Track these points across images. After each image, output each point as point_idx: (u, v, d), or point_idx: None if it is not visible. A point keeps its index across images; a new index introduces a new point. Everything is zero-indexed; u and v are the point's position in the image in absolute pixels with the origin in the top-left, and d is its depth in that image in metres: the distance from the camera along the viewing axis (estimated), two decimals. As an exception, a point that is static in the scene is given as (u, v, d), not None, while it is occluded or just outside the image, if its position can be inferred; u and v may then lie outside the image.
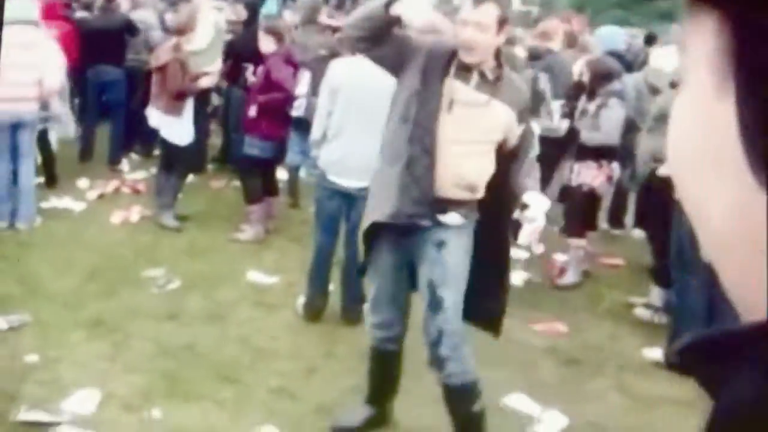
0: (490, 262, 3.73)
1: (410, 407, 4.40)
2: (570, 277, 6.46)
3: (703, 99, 0.46)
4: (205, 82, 7.29)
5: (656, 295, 5.94)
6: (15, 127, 6.83)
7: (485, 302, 3.83)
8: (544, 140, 7.27)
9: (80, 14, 9.38)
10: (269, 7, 9.53)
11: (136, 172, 8.82)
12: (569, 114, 6.59)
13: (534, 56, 7.73)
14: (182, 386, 4.45)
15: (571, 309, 6.03)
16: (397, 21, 3.47)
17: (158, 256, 6.42)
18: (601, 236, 7.46)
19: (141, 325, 5.21)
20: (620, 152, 6.41)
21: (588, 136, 6.23)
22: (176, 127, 7.12)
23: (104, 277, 5.94)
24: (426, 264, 3.62)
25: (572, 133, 6.45)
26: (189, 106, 7.15)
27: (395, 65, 3.58)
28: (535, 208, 3.54)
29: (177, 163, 7.22)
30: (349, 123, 4.99)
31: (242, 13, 9.54)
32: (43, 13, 7.74)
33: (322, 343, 5.13)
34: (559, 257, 6.67)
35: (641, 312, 5.95)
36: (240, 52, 7.99)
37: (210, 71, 7.42)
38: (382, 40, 3.47)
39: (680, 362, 0.47)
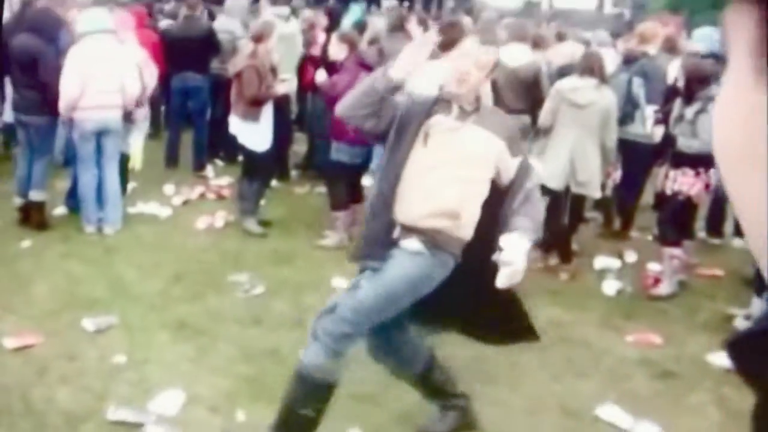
0: (479, 298, 3.66)
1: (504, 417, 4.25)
2: (665, 288, 6.22)
3: (744, 88, 0.47)
4: (281, 89, 7.26)
5: (757, 306, 5.66)
6: (100, 135, 6.93)
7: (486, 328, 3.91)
8: (636, 146, 7.09)
9: (165, 23, 9.50)
10: (354, 14, 9.52)
11: (220, 178, 8.88)
12: (663, 120, 6.37)
13: (628, 60, 7.52)
14: (266, 390, 4.38)
15: (667, 320, 5.81)
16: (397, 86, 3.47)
17: (243, 261, 6.41)
18: (699, 246, 7.19)
19: (226, 328, 5.19)
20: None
21: (685, 143, 5.99)
22: (254, 134, 7.13)
23: (189, 281, 5.95)
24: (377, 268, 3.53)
25: (666, 139, 6.23)
26: (267, 112, 7.15)
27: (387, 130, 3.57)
28: (511, 250, 3.32)
29: (257, 169, 7.22)
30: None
31: (322, 21, 9.55)
32: (131, 23, 7.87)
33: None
34: (654, 267, 6.45)
35: (741, 324, 5.68)
36: (323, 58, 7.97)
37: (286, 78, 7.40)
38: (381, 111, 3.48)
39: (731, 354, 0.49)
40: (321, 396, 3.58)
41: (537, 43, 8.06)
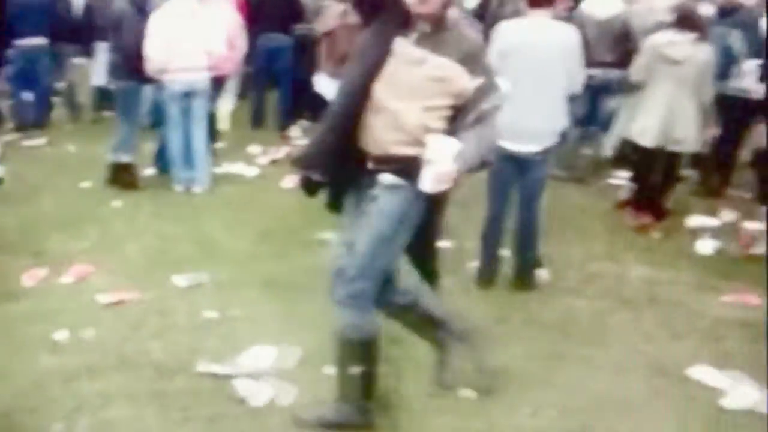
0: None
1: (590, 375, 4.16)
2: (763, 247, 6.00)
3: None
4: None
5: None
6: (188, 96, 7.00)
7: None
8: (735, 102, 6.82)
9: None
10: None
11: (306, 137, 8.89)
12: (766, 75, 6.10)
13: (724, 12, 7.22)
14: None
15: (765, 280, 5.59)
16: None
17: (330, 219, 6.35)
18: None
19: (313, 285, 5.14)
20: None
21: None
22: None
23: (277, 239, 5.99)
24: (360, 215, 3.40)
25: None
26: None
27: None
28: (436, 149, 3.15)
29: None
30: (520, 86, 4.74)
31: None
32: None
33: (493, 309, 4.97)
34: (752, 225, 6.22)
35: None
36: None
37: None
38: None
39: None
40: (366, 354, 3.57)
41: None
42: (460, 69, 3.25)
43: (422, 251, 3.72)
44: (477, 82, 3.28)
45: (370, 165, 3.33)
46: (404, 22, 3.29)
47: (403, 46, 3.27)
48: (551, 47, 4.97)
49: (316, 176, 3.40)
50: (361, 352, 3.56)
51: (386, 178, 3.31)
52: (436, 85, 3.25)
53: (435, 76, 3.24)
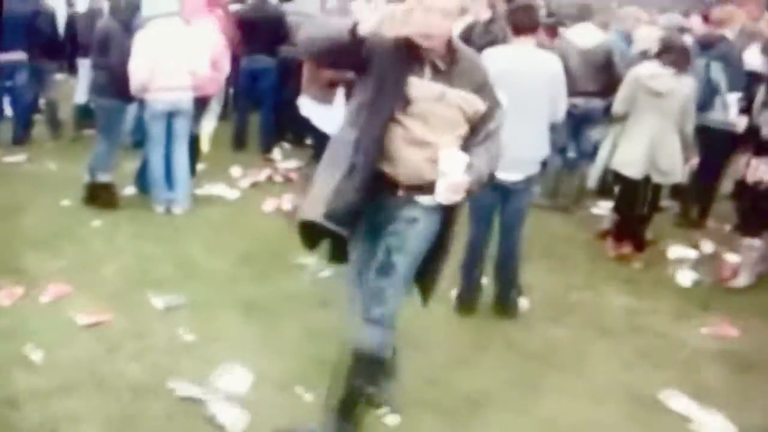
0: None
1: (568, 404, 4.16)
2: (743, 279, 6.03)
3: None
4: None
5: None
6: (171, 116, 6.98)
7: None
8: (716, 134, 6.87)
9: (235, 6, 9.51)
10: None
11: (288, 160, 8.88)
12: (747, 108, 6.15)
13: (706, 44, 7.28)
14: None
15: (744, 312, 5.62)
16: (362, 42, 3.35)
17: (309, 244, 6.36)
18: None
19: (293, 309, 5.17)
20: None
21: None
22: (328, 116, 7.07)
23: (257, 262, 5.95)
24: (391, 235, 3.49)
25: (748, 127, 6.02)
26: (341, 95, 7.09)
27: (358, 68, 3.50)
28: (448, 162, 3.35)
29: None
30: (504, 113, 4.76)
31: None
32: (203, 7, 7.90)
33: (473, 336, 4.98)
34: (732, 257, 6.25)
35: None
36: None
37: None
38: (346, 54, 3.40)
39: None
40: (382, 372, 3.66)
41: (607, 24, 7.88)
42: (475, 97, 3.49)
43: (433, 266, 3.73)
44: (486, 105, 3.53)
45: (401, 192, 3.49)
46: (411, 58, 3.41)
47: (420, 86, 3.41)
48: (535, 75, 4.99)
49: (343, 232, 3.50)
50: (381, 371, 3.64)
51: (425, 200, 3.47)
52: (461, 114, 3.48)
53: (459, 107, 3.46)
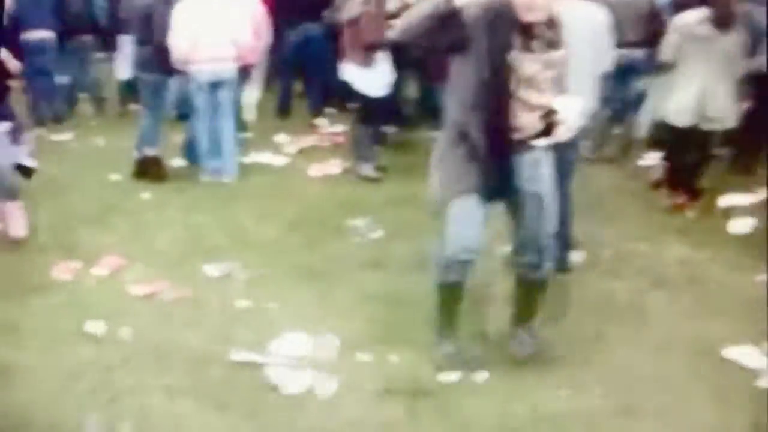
0: None
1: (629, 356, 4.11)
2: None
3: None
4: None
5: None
6: (215, 86, 6.98)
7: None
8: (764, 79, 6.68)
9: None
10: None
11: (334, 125, 8.86)
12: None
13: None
14: (391, 332, 4.34)
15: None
16: (456, 14, 3.47)
17: (359, 206, 6.37)
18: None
19: (346, 272, 5.17)
20: None
21: None
22: (370, 79, 7.06)
23: (307, 228, 5.96)
24: (525, 181, 3.82)
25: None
26: (383, 57, 7.05)
27: (459, 45, 3.59)
28: (566, 109, 3.65)
29: (373, 115, 7.16)
30: None
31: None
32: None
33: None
34: (786, 201, 6.12)
35: None
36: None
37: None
38: (443, 32, 3.51)
39: None
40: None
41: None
42: (565, 52, 3.71)
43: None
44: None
45: (517, 146, 3.73)
46: (519, 35, 3.58)
47: (532, 61, 3.60)
48: (580, 28, 4.88)
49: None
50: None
51: (539, 143, 3.77)
52: (560, 70, 3.72)
53: (559, 65, 3.70)
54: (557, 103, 3.65)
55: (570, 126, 3.69)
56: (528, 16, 3.52)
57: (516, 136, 3.70)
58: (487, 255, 4.34)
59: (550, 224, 3.95)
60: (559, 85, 3.74)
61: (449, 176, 3.81)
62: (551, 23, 3.64)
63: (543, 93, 3.65)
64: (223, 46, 6.92)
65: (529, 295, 4.17)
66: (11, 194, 5.59)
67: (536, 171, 3.84)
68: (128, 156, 7.31)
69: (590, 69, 4.95)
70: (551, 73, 3.67)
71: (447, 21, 3.45)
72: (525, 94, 3.62)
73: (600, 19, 5.03)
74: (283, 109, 9.40)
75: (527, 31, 3.56)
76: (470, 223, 3.82)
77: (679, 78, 6.20)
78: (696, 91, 6.06)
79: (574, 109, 3.69)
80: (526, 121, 3.67)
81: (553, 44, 3.65)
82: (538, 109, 3.65)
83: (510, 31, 3.55)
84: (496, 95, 3.61)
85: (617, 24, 6.93)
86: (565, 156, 4.96)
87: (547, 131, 3.70)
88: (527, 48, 3.58)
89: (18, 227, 5.61)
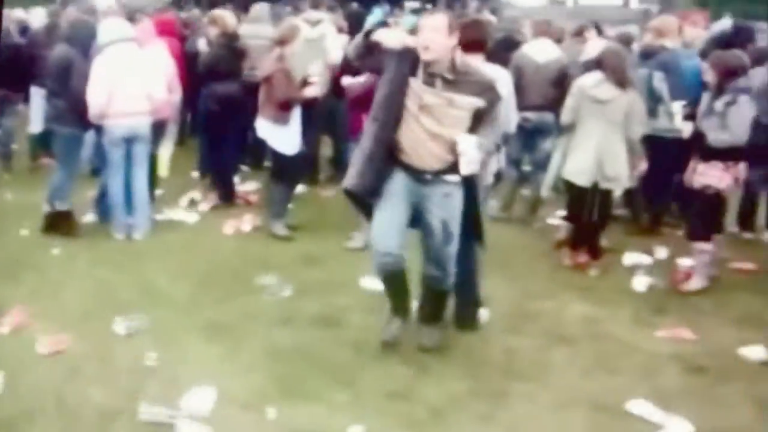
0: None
1: (532, 413, 4.22)
2: (696, 283, 6.16)
3: None
4: (310, 92, 7.25)
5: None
6: (129, 141, 6.97)
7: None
8: (662, 141, 7.02)
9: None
10: (376, 17, 9.52)
11: (247, 183, 8.90)
12: (691, 115, 6.30)
13: (647, 54, 7.48)
14: (297, 388, 4.40)
15: (698, 315, 5.75)
16: (375, 45, 4.52)
17: (271, 264, 6.42)
18: (731, 240, 7.11)
19: (255, 328, 5.20)
20: (748, 152, 6.07)
21: (715, 137, 5.92)
22: (284, 137, 7.14)
23: (218, 284, 5.98)
24: (438, 208, 4.63)
25: (695, 133, 6.17)
26: (296, 115, 7.16)
27: (379, 71, 4.64)
28: (464, 144, 4.35)
29: (286, 172, 7.24)
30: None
31: (343, 24, 9.54)
32: (156, 29, 7.93)
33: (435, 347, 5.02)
34: (684, 262, 6.37)
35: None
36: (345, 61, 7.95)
37: (314, 81, 7.35)
38: (368, 56, 4.61)
39: None
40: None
41: (560, 39, 8.03)
42: (477, 99, 4.49)
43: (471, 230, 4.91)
44: (488, 101, 4.54)
45: (429, 176, 4.59)
46: (423, 73, 4.46)
47: (432, 94, 4.45)
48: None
49: (368, 200, 4.72)
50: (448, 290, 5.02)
51: (451, 178, 4.58)
52: (467, 113, 4.49)
53: (465, 109, 4.47)
54: (459, 138, 4.36)
55: (469, 160, 4.34)
56: (424, 55, 4.41)
57: (423, 160, 4.54)
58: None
59: (453, 247, 4.69)
60: (465, 126, 4.48)
61: (352, 170, 4.66)
62: (452, 68, 4.46)
63: (443, 125, 4.45)
64: (138, 100, 6.92)
65: (434, 300, 4.98)
66: None
67: (446, 200, 4.61)
68: (38, 210, 7.21)
69: (497, 129, 5.16)
70: (456, 111, 4.46)
71: (370, 48, 4.53)
72: (426, 120, 4.46)
73: (506, 82, 5.25)
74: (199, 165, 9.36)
75: (427, 67, 4.44)
76: (388, 230, 4.60)
77: (578, 139, 6.45)
78: (594, 151, 6.30)
79: (472, 145, 4.34)
80: (429, 147, 4.50)
81: (456, 86, 4.45)
82: (438, 138, 4.46)
83: (415, 63, 4.45)
84: (391, 112, 4.49)
85: (527, 87, 7.29)
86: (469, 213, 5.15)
87: (455, 167, 4.43)
88: (430, 82, 4.45)
89: None
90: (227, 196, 8.28)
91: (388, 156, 4.57)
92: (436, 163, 4.54)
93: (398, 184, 4.61)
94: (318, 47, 8.15)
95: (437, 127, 4.46)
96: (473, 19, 5.55)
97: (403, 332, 4.94)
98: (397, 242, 4.61)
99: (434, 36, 4.38)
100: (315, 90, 7.28)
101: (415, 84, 4.46)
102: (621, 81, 6.26)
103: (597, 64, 6.50)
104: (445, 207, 4.62)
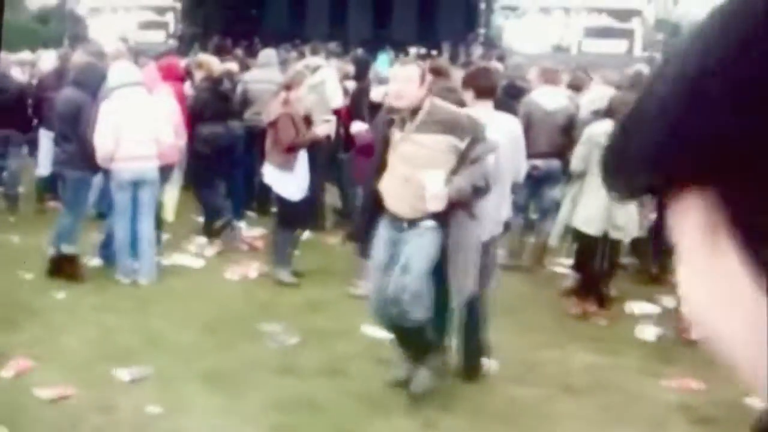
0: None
1: None
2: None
3: (702, 263, 0.49)
4: (322, 130, 7.26)
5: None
6: (136, 185, 6.99)
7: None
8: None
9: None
10: (383, 63, 9.58)
11: (253, 229, 8.90)
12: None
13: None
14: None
15: (706, 365, 5.67)
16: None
17: (275, 311, 6.40)
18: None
19: (259, 378, 5.17)
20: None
21: None
22: (289, 183, 7.14)
23: (222, 331, 5.95)
24: (405, 244, 4.65)
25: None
26: (302, 161, 7.16)
27: None
28: (429, 181, 4.40)
29: (291, 218, 7.23)
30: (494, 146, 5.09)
31: (350, 70, 9.62)
32: (160, 73, 8.00)
33: (440, 398, 4.97)
34: (690, 311, 6.32)
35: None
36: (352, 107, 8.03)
37: (328, 119, 7.38)
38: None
39: None
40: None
41: (573, 86, 8.06)
42: (447, 137, 4.52)
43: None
44: (466, 141, 4.50)
45: (405, 224, 4.65)
46: (396, 118, 4.65)
47: (400, 136, 4.60)
48: (500, 138, 5.11)
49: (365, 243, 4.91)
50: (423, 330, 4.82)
51: (426, 223, 4.60)
52: (437, 152, 4.52)
53: (432, 147, 4.52)
54: (426, 174, 4.42)
55: (434, 194, 4.39)
56: (396, 103, 4.63)
57: (398, 207, 4.66)
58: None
59: (411, 280, 4.59)
60: (445, 167, 4.49)
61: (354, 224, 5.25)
62: (415, 111, 4.56)
63: (417, 168, 4.50)
64: (145, 145, 6.95)
65: (406, 337, 4.88)
66: None
67: (416, 238, 4.62)
68: (44, 254, 7.21)
69: (505, 178, 5.16)
70: (426, 152, 4.54)
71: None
72: (401, 167, 4.61)
73: (517, 130, 5.26)
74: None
75: (399, 113, 4.64)
76: (379, 274, 4.73)
77: (588, 187, 6.44)
78: (603, 200, 6.29)
79: (436, 180, 4.40)
80: (402, 192, 4.61)
81: (425, 127, 4.55)
82: (411, 181, 4.50)
83: (390, 119, 4.72)
84: (375, 162, 4.76)
85: (535, 134, 7.29)
86: (481, 263, 5.13)
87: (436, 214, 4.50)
88: (401, 128, 4.61)
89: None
90: (211, 233, 8.34)
91: (378, 206, 4.77)
92: (410, 212, 4.63)
93: (381, 233, 4.77)
94: (318, 93, 8.19)
95: (410, 170, 4.54)
96: (483, 67, 5.59)
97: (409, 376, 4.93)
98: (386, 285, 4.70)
99: (407, 86, 4.56)
100: (327, 128, 7.29)
101: (394, 133, 4.67)
102: None
103: (606, 112, 6.51)
104: (414, 242, 4.65)
